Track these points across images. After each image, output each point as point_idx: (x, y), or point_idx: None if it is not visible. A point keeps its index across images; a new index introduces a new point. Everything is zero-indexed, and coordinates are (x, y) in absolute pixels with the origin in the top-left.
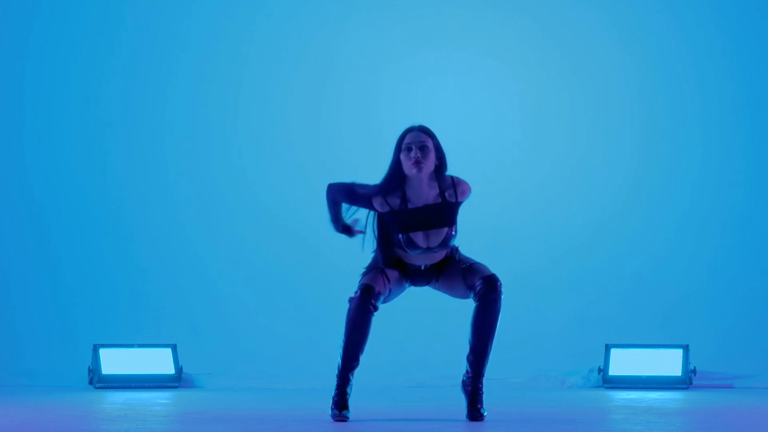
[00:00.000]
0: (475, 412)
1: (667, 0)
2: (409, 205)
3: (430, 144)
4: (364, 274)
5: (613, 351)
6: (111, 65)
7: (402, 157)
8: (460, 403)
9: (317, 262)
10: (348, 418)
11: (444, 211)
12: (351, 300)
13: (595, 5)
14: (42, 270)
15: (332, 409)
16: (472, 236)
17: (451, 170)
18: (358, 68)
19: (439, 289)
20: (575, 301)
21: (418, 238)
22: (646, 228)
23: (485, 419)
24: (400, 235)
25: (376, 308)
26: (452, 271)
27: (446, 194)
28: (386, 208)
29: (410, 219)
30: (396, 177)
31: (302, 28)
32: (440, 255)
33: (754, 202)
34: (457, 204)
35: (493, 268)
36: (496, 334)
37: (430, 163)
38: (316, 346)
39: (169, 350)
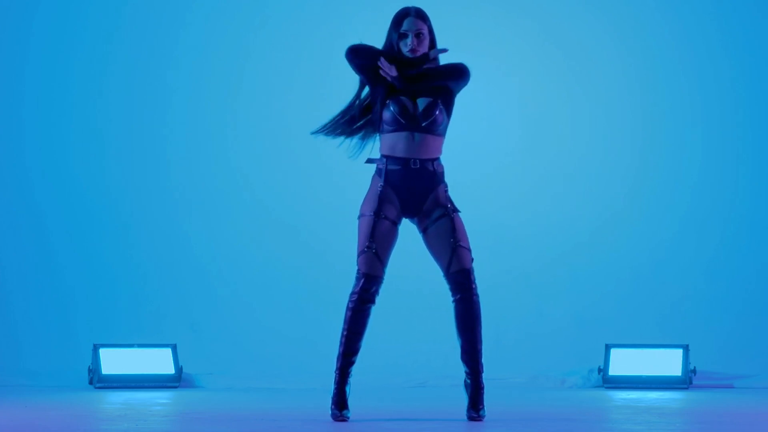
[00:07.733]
0: (475, 412)
1: (667, 0)
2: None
3: (425, 30)
4: (360, 253)
5: (613, 351)
6: (111, 65)
7: (400, 43)
8: (460, 403)
9: (317, 262)
10: (348, 418)
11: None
12: (352, 294)
13: (595, 5)
14: (42, 270)
15: (332, 408)
16: (473, 236)
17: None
18: None
19: (424, 242)
20: (575, 301)
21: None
22: (645, 228)
23: (485, 419)
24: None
25: (374, 302)
26: (441, 232)
27: None
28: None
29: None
30: (391, 55)
31: (302, 28)
32: (426, 142)
33: (754, 203)
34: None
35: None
36: (481, 328)
37: (424, 49)
38: (315, 346)
39: (169, 350)
